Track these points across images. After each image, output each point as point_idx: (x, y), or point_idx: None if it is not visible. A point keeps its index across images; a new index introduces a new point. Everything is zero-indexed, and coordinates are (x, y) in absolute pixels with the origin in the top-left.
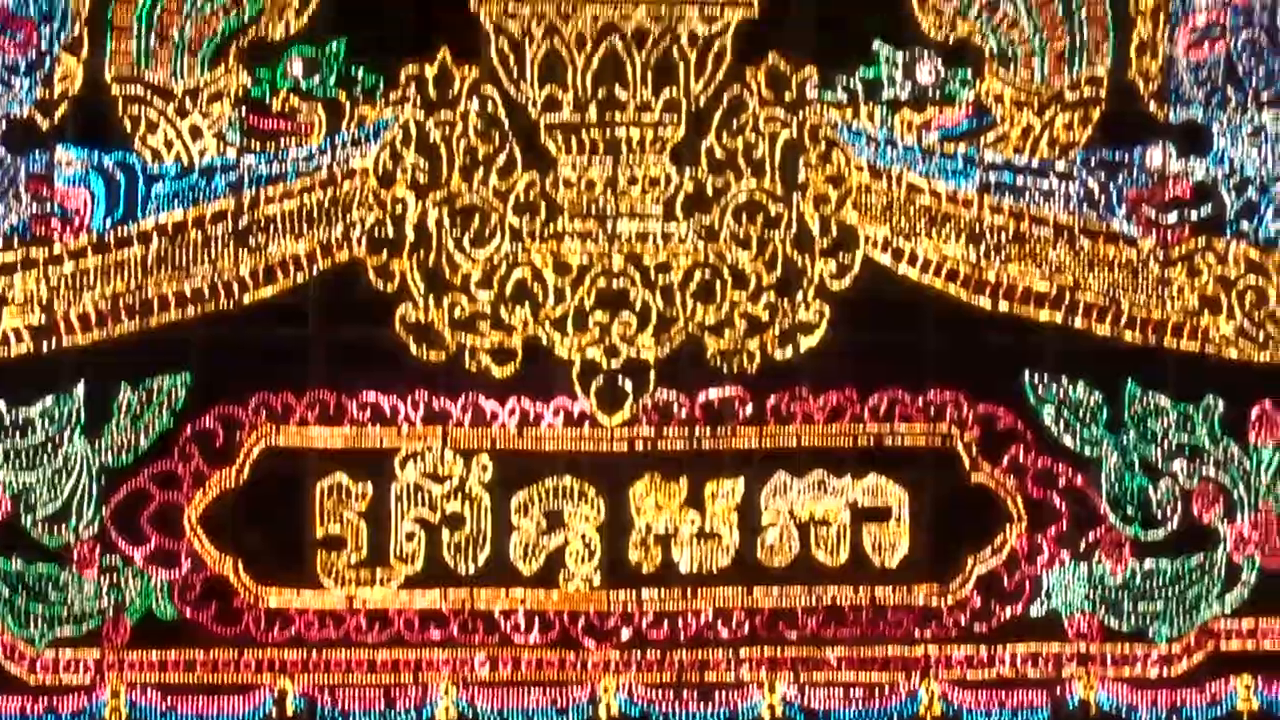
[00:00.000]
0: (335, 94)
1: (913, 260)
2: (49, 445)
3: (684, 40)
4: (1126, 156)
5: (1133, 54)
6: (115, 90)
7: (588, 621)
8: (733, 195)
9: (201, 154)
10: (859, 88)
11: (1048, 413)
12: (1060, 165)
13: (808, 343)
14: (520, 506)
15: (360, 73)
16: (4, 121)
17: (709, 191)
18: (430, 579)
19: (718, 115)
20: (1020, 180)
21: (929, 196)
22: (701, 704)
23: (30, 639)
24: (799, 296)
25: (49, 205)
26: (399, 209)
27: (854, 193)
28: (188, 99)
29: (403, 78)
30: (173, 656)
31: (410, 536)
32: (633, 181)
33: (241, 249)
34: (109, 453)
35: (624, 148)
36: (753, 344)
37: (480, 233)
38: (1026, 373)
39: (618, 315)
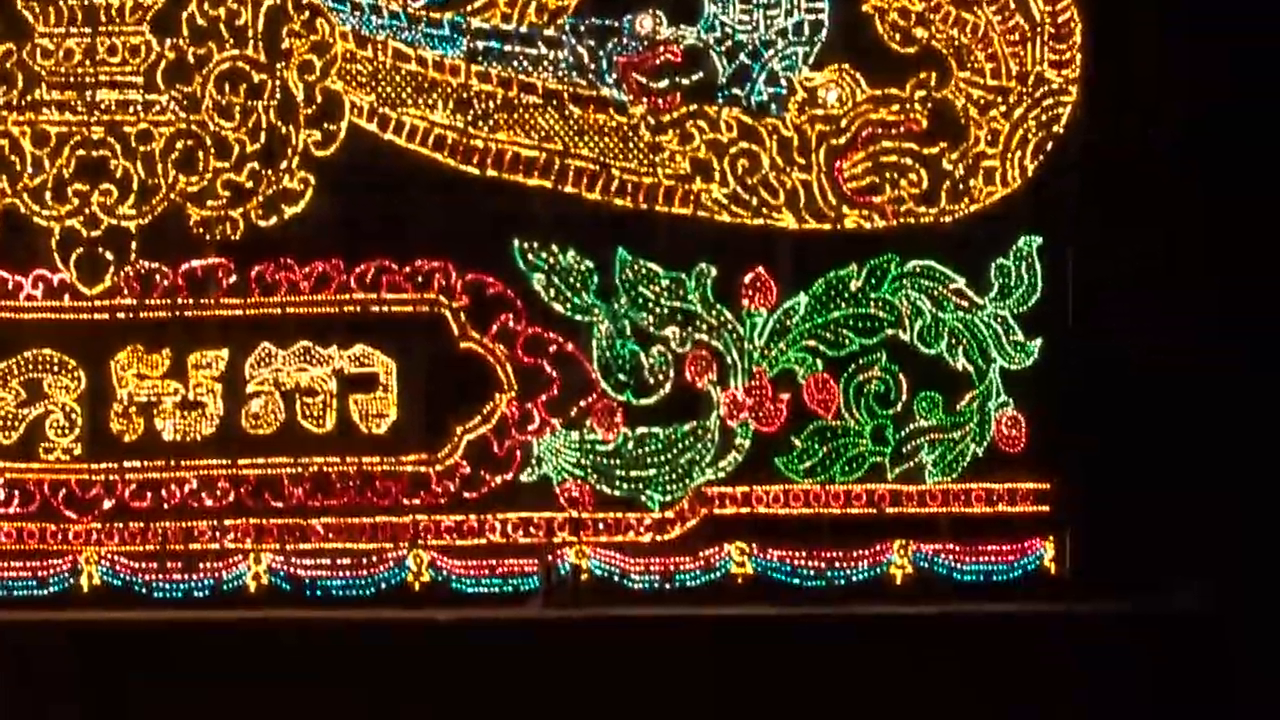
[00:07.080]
0: None
1: (399, 128)
2: None
3: None
4: (616, 23)
5: None
6: None
7: (69, 492)
8: (215, 64)
9: None
10: None
11: (538, 280)
12: (549, 32)
13: (292, 211)
14: None
15: None
16: None
17: (191, 60)
18: None
19: None
20: (508, 47)
21: (415, 64)
22: (186, 574)
23: None
24: (283, 165)
25: None
26: None
27: (339, 61)
28: None
29: None
30: None
31: None
32: (112, 51)
33: None
34: None
35: (103, 16)
36: (236, 212)
37: None
38: (516, 240)
39: (98, 185)
